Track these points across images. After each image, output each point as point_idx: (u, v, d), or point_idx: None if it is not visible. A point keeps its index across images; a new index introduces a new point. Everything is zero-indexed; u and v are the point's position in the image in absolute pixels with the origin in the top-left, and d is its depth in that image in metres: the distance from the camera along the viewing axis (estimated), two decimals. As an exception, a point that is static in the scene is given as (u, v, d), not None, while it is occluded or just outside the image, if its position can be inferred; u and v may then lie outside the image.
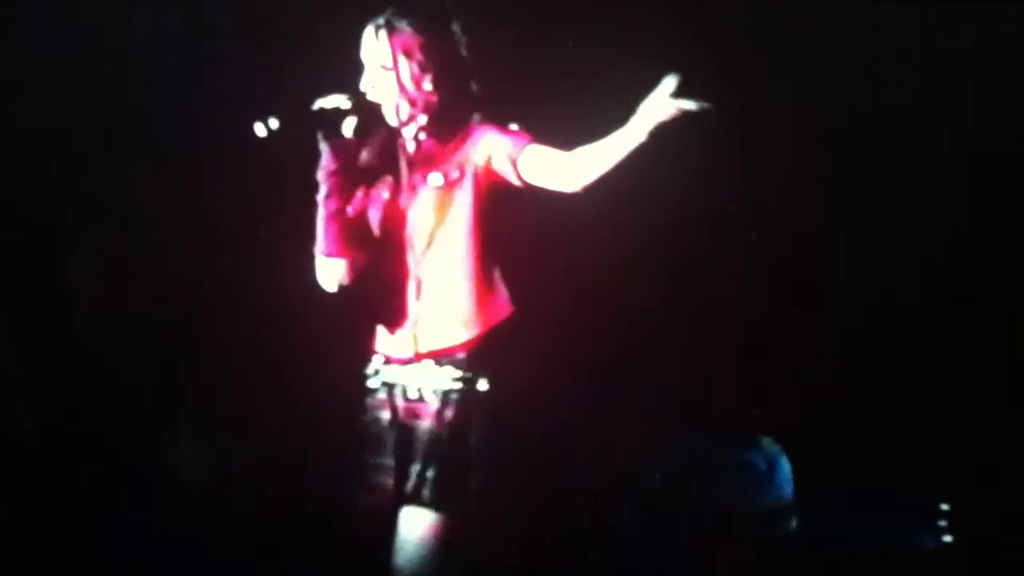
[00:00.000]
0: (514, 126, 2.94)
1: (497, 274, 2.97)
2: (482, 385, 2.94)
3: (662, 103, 2.72)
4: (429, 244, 2.96)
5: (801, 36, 3.50)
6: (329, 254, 2.99)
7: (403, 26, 2.92)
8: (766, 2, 3.52)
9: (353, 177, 2.95)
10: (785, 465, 3.67)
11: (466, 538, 2.96)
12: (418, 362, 2.97)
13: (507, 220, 2.99)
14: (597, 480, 3.64)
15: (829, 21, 3.52)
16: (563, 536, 3.58)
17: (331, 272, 3.01)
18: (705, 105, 2.68)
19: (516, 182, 2.92)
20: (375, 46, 2.93)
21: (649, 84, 3.64)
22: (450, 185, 2.94)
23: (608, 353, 3.79)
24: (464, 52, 2.94)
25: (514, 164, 2.92)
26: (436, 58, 2.92)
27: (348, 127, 2.87)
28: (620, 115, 3.08)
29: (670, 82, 2.71)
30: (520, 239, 3.01)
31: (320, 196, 2.95)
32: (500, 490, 2.98)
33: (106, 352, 3.67)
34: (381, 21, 2.94)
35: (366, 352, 3.06)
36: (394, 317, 3.00)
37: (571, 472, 3.54)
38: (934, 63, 3.50)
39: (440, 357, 2.95)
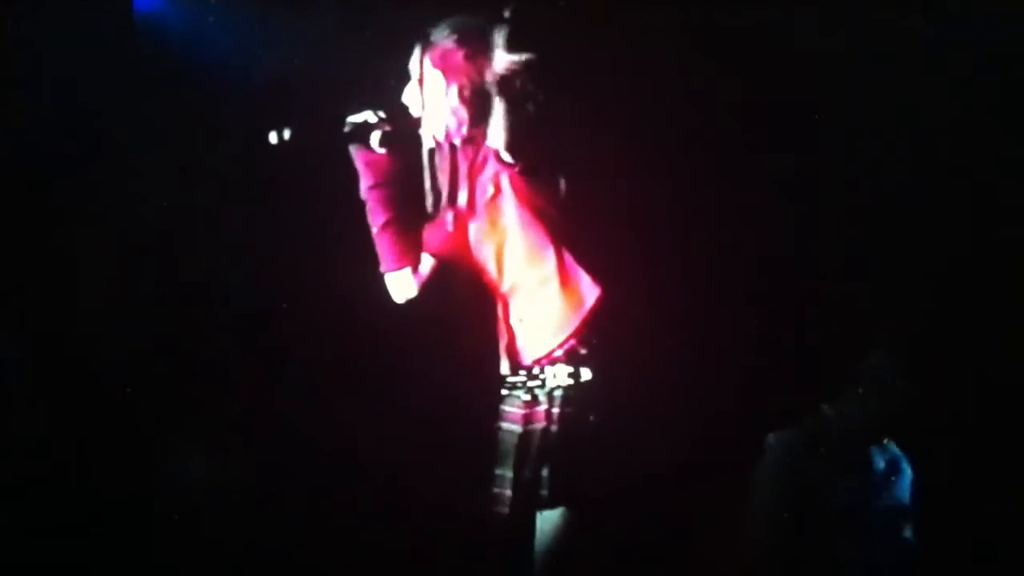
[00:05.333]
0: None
1: (571, 262, 2.90)
2: (586, 375, 2.89)
3: None
4: (499, 260, 2.95)
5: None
6: (387, 270, 3.01)
7: (439, 41, 2.91)
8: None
9: (394, 192, 2.95)
10: (906, 468, 3.58)
11: (595, 530, 2.93)
12: (517, 374, 2.95)
13: (563, 207, 2.90)
14: (712, 467, 3.60)
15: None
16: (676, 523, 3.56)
17: (396, 285, 3.03)
18: None
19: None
20: (415, 60, 2.94)
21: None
22: (493, 199, 2.93)
23: (715, 330, 3.73)
24: (495, 72, 2.82)
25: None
26: (464, 75, 2.88)
27: (374, 140, 2.89)
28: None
29: None
30: (582, 221, 2.92)
31: (367, 213, 2.98)
32: (622, 477, 2.92)
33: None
34: (423, 36, 2.93)
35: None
36: (487, 341, 3.00)
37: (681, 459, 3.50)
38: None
39: (541, 362, 2.92)
